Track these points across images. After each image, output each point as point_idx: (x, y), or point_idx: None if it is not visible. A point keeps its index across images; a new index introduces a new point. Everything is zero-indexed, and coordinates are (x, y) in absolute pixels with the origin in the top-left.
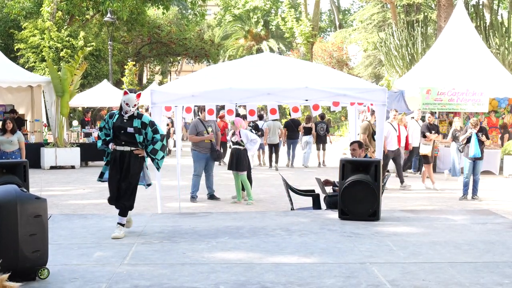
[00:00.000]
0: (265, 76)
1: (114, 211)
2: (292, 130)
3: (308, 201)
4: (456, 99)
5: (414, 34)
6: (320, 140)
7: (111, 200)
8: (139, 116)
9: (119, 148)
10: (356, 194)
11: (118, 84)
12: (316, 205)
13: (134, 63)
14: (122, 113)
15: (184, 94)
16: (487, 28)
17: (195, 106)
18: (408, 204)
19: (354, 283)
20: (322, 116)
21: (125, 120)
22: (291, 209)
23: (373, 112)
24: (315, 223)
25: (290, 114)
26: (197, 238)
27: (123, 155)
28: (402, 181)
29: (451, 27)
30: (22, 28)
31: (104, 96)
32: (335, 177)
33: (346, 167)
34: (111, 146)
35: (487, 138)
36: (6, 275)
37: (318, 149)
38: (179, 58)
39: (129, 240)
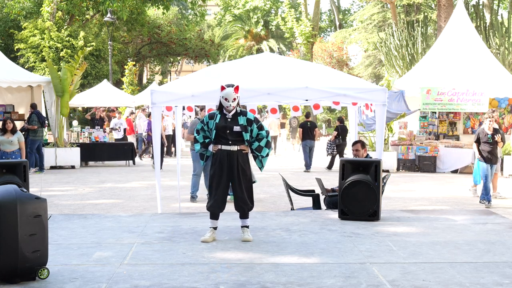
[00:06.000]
0: (265, 76)
1: (114, 211)
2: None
3: (308, 201)
4: (456, 99)
5: (414, 34)
6: (294, 131)
7: (216, 208)
8: (243, 113)
9: (225, 147)
10: (356, 194)
11: (118, 84)
12: (316, 205)
13: (134, 63)
14: (224, 111)
15: (184, 94)
16: (487, 28)
17: (195, 105)
18: (408, 204)
19: (354, 283)
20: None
21: (229, 119)
22: (291, 209)
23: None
24: (315, 223)
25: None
26: (197, 238)
27: (231, 155)
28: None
29: (451, 27)
30: (22, 28)
31: (104, 96)
32: (334, 177)
33: (346, 167)
34: (212, 148)
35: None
36: None
37: (293, 137)
38: (179, 58)
39: (129, 240)
